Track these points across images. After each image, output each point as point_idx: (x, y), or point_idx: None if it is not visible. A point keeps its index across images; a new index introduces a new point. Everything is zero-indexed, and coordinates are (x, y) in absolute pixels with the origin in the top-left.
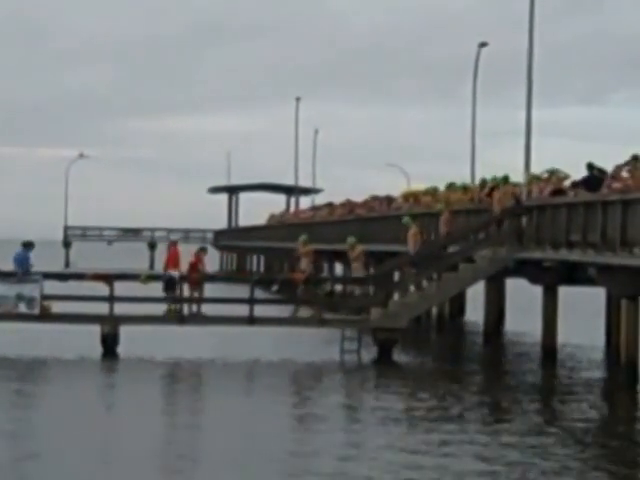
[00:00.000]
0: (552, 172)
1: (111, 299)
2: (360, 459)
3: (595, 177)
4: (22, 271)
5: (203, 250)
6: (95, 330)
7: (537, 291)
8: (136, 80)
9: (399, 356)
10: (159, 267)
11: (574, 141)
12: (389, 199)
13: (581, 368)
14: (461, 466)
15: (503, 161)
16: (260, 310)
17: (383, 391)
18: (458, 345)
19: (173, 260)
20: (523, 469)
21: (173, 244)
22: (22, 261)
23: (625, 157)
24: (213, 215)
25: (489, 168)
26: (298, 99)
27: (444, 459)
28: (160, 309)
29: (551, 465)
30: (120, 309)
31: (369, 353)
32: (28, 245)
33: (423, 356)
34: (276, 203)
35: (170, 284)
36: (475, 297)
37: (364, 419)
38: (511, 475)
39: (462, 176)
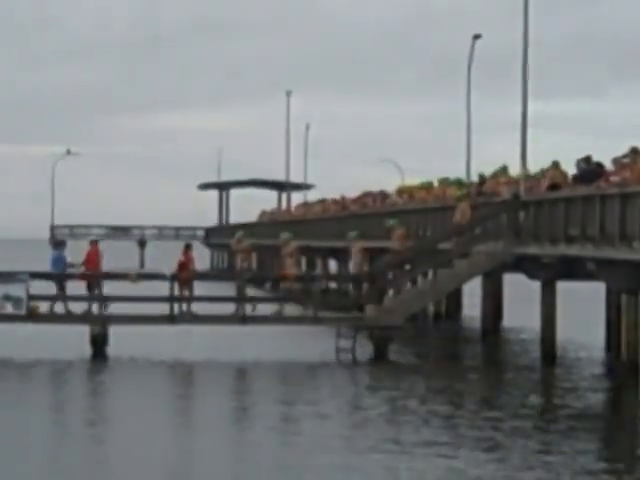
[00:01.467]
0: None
1: (100, 299)
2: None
3: (592, 170)
4: (59, 271)
5: (189, 247)
6: (84, 330)
7: (535, 286)
8: (126, 77)
9: (395, 354)
10: (149, 266)
11: (574, 134)
12: (383, 195)
13: (581, 364)
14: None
15: (502, 155)
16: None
17: (377, 390)
18: (455, 342)
19: (94, 259)
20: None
21: (94, 243)
22: (57, 261)
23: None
24: (204, 212)
25: (487, 162)
26: (289, 93)
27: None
28: (150, 309)
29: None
30: (109, 309)
31: (366, 351)
32: (59, 244)
33: (420, 354)
34: (267, 199)
35: (92, 284)
36: (472, 293)
37: (360, 419)
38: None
39: (459, 171)
